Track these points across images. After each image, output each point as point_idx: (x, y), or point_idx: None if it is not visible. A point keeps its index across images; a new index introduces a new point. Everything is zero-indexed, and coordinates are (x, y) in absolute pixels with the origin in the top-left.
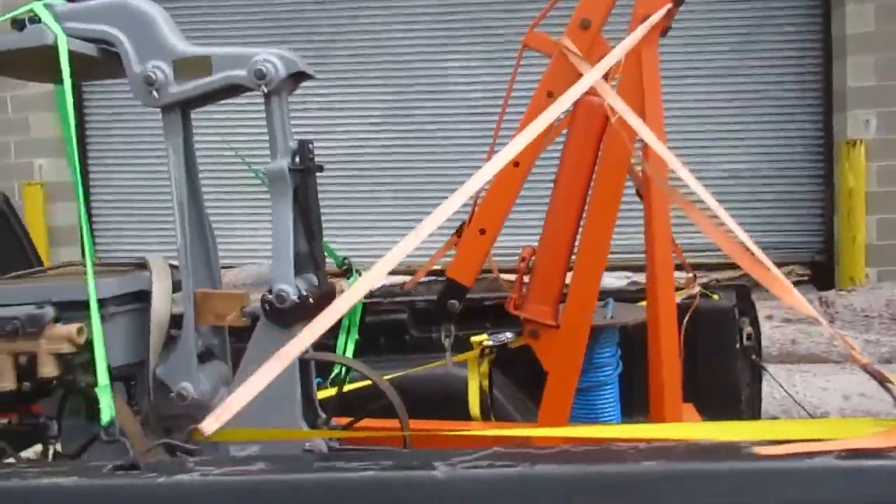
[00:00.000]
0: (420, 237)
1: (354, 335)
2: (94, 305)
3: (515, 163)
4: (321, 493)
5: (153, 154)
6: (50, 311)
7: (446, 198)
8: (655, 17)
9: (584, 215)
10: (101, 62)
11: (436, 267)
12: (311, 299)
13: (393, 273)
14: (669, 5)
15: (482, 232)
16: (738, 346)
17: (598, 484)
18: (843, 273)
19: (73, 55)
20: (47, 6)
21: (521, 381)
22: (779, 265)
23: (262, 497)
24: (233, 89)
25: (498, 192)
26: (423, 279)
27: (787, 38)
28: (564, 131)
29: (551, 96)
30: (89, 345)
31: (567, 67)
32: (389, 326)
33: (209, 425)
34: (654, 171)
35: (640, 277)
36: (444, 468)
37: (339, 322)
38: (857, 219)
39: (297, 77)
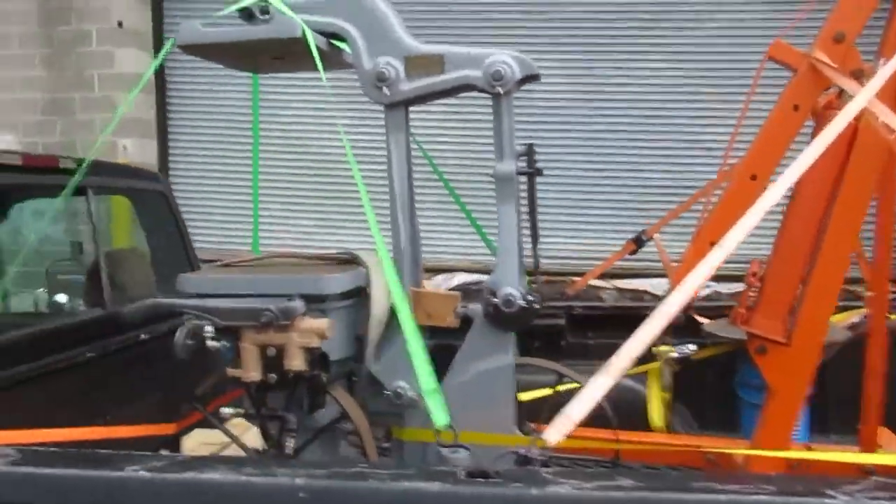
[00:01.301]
0: (726, 251)
1: None
2: (399, 295)
3: (752, 175)
4: None
5: (235, 142)
6: (301, 305)
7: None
8: None
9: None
10: (323, 54)
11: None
12: (536, 305)
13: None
14: None
15: (713, 244)
16: None
17: None
18: None
19: (300, 46)
20: None
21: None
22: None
23: None
24: (460, 89)
25: (731, 204)
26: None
27: None
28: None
29: (797, 109)
30: None
31: (815, 80)
32: (545, 331)
33: (553, 435)
34: None
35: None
36: (844, 497)
37: None
38: None
39: (526, 79)
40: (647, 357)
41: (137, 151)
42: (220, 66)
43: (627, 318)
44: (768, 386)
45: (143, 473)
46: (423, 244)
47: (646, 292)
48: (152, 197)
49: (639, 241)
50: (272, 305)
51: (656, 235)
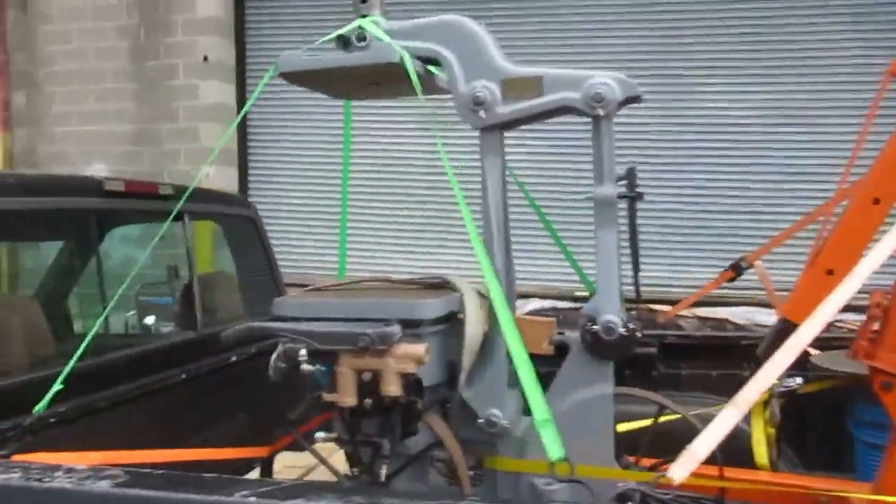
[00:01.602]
0: (858, 282)
1: None
2: (508, 323)
3: (875, 199)
4: None
5: (310, 168)
6: (398, 330)
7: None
8: None
9: None
10: (419, 79)
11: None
12: (637, 333)
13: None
14: None
15: (830, 272)
16: None
17: None
18: None
19: (396, 72)
20: (376, 23)
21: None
22: None
23: None
24: (558, 111)
25: (851, 230)
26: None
27: None
28: None
29: None
30: None
31: None
32: (636, 360)
33: (678, 473)
34: None
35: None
36: None
37: None
38: None
39: (628, 100)
40: None
41: (222, 179)
42: (299, 96)
43: (719, 349)
44: (895, 425)
45: (251, 499)
46: None
47: (727, 321)
48: (242, 222)
49: (737, 269)
50: (370, 330)
51: (758, 262)
